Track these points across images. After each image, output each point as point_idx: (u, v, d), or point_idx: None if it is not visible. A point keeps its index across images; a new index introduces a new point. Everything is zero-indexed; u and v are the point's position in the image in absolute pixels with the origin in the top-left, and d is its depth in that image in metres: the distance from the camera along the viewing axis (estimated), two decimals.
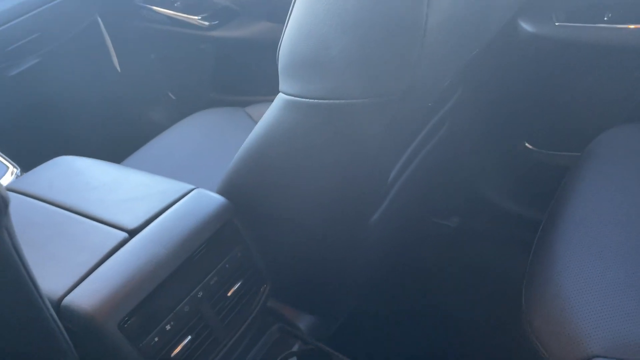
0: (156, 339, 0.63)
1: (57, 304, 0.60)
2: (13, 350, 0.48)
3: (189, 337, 0.67)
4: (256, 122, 1.20)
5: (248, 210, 0.74)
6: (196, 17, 1.36)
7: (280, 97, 0.64)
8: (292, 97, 0.61)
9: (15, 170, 0.98)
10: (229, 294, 0.72)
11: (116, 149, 1.18)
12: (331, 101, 0.57)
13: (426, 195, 1.21)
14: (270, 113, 0.66)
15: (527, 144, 1.20)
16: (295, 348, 0.81)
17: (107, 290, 0.61)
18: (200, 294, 0.68)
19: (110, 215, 0.70)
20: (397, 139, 0.68)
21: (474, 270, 1.22)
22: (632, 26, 0.96)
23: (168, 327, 0.64)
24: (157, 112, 1.60)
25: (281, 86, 0.64)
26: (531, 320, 0.70)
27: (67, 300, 0.61)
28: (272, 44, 1.38)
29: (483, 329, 1.09)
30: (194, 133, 1.18)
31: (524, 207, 1.23)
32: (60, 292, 0.61)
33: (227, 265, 0.71)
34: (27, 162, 1.00)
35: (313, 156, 0.66)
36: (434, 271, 1.23)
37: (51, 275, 0.63)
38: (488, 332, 1.07)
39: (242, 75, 1.47)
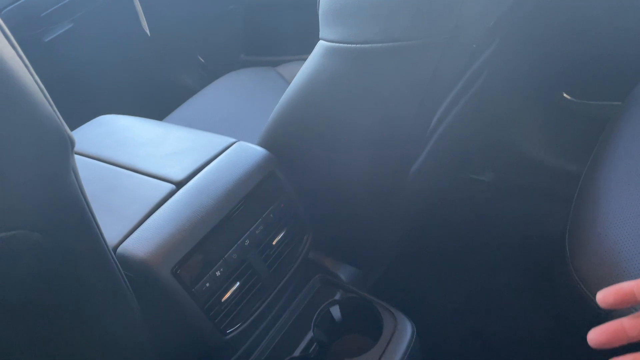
0: (207, 285, 0.65)
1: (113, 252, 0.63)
2: (78, 291, 0.50)
3: (238, 283, 0.69)
4: (288, 81, 1.20)
5: (289, 161, 0.75)
6: None
7: (321, 45, 0.64)
8: (335, 44, 0.61)
9: None
10: (274, 243, 0.73)
11: (149, 113, 1.20)
12: (376, 45, 0.57)
13: (462, 150, 1.20)
14: (311, 62, 0.66)
15: (565, 95, 1.17)
16: (337, 296, 0.82)
17: (159, 238, 0.63)
18: (247, 242, 0.69)
19: (157, 169, 0.72)
20: (439, 85, 0.67)
21: (511, 224, 1.21)
22: None
23: (218, 273, 0.66)
24: (187, 75, 1.61)
25: (322, 33, 0.63)
26: (576, 265, 0.69)
27: (122, 248, 0.63)
28: (301, 3, 1.36)
29: (525, 278, 1.09)
30: (227, 93, 1.19)
31: (562, 160, 1.21)
32: (115, 241, 0.64)
33: (271, 215, 0.73)
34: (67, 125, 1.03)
35: (356, 103, 0.66)
36: (470, 226, 1.23)
37: (104, 226, 0.65)
38: (531, 280, 1.07)
39: (271, 36, 1.46)
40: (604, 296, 0.39)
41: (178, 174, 0.70)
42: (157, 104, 1.29)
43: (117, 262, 0.53)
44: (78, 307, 0.48)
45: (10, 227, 0.37)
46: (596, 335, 0.38)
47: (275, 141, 0.75)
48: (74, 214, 0.42)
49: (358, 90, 0.63)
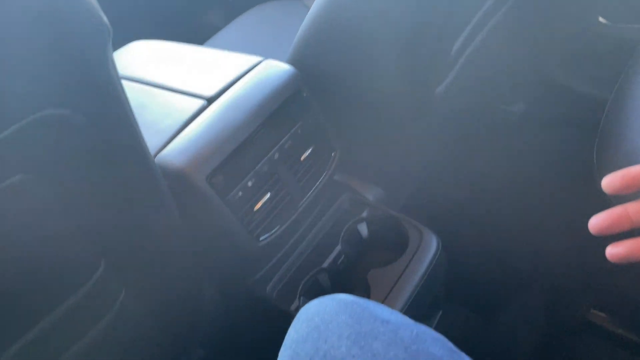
0: (240, 194, 0.68)
1: None
2: (123, 195, 0.54)
3: (269, 194, 0.72)
4: None
5: (316, 79, 0.77)
6: None
7: None
8: None
9: None
10: (302, 159, 0.76)
11: None
12: None
13: (491, 79, 1.18)
14: None
15: (600, 18, 1.13)
16: (364, 214, 0.85)
17: (194, 148, 0.66)
18: (276, 156, 0.72)
19: (188, 86, 0.74)
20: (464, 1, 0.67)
21: (541, 154, 1.20)
22: None
23: (250, 183, 0.69)
24: (212, 11, 1.61)
25: None
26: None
27: (159, 158, 0.66)
28: None
29: (554, 198, 1.09)
30: (254, 26, 1.19)
31: (597, 88, 1.18)
32: (152, 152, 0.67)
33: (299, 131, 0.75)
34: None
35: (382, 16, 0.66)
36: (499, 155, 1.22)
37: None
38: (560, 202, 1.07)
39: None
40: (611, 180, 0.36)
41: (209, 90, 0.72)
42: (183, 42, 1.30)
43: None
44: (118, 197, 0.52)
45: (39, 108, 0.39)
46: (599, 220, 0.36)
47: (303, 59, 0.76)
48: (111, 101, 0.45)
49: (387, 5, 0.63)
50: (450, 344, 0.39)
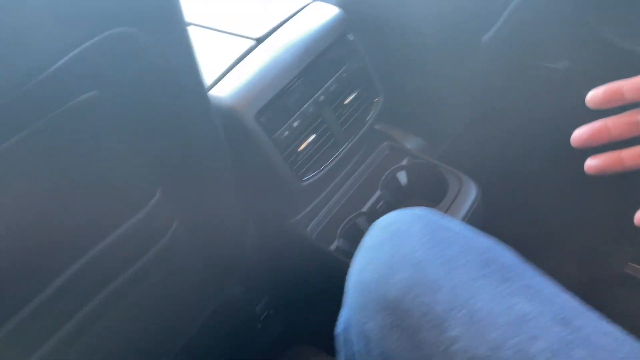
0: (286, 133, 0.70)
1: None
2: (180, 124, 0.56)
3: (313, 136, 0.73)
4: None
5: (363, 23, 0.77)
6: None
7: None
8: None
9: None
10: (346, 102, 0.77)
11: None
12: None
13: (535, 33, 1.15)
14: None
15: None
16: (404, 162, 0.86)
17: (244, 86, 0.67)
18: (321, 98, 0.73)
19: (237, 27, 0.75)
20: None
21: (584, 112, 1.18)
22: None
23: (295, 124, 0.71)
24: None
25: None
26: None
27: (209, 96, 0.68)
28: None
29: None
30: None
31: None
32: None
33: (344, 75, 0.75)
34: None
35: None
36: (540, 112, 1.20)
37: None
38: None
39: None
40: (594, 95, 0.38)
41: (258, 31, 0.73)
42: None
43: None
44: (176, 126, 0.54)
45: (109, 26, 0.41)
46: (580, 132, 0.38)
47: (350, 2, 0.76)
48: (174, 23, 0.47)
49: None
50: (518, 256, 0.40)
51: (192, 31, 0.78)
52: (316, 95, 0.73)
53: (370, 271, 0.39)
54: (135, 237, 0.59)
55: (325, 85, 0.73)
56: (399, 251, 0.38)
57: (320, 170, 0.75)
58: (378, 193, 0.85)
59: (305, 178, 0.74)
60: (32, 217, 0.46)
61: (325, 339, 0.88)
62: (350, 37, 0.76)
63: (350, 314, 0.41)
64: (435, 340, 0.34)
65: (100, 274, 0.59)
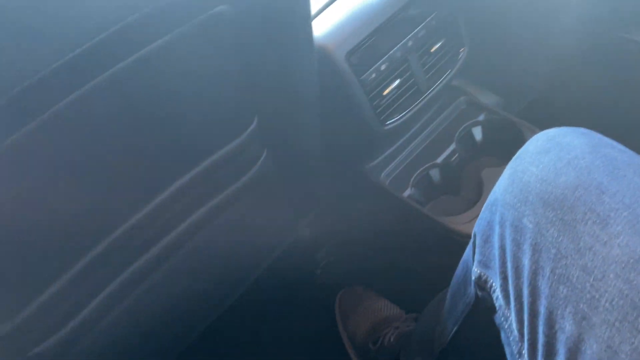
0: (373, 75, 0.71)
1: None
2: (282, 54, 0.58)
3: (398, 81, 0.74)
4: None
5: None
6: None
7: None
8: None
9: None
10: (432, 50, 0.77)
11: None
12: None
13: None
14: None
15: None
16: (480, 117, 0.86)
17: (336, 27, 0.68)
18: (409, 44, 0.73)
19: None
20: None
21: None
22: None
23: (383, 67, 0.72)
24: None
25: None
26: None
27: None
28: None
29: None
30: None
31: None
32: None
33: (433, 22, 0.75)
34: None
35: None
36: (617, 83, 1.16)
37: None
38: None
39: None
40: None
41: None
42: None
43: None
44: (279, 55, 0.56)
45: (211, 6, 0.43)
46: None
47: None
48: None
49: None
50: None
51: None
52: (405, 40, 0.73)
53: (532, 173, 0.41)
54: (230, 164, 0.62)
55: (414, 31, 0.74)
56: (565, 157, 0.40)
57: (402, 116, 0.76)
58: (453, 146, 0.85)
59: (388, 122, 0.75)
60: (143, 134, 0.49)
61: (377, 280, 0.91)
62: None
63: (503, 211, 0.42)
64: (597, 233, 0.35)
65: (188, 202, 0.62)
